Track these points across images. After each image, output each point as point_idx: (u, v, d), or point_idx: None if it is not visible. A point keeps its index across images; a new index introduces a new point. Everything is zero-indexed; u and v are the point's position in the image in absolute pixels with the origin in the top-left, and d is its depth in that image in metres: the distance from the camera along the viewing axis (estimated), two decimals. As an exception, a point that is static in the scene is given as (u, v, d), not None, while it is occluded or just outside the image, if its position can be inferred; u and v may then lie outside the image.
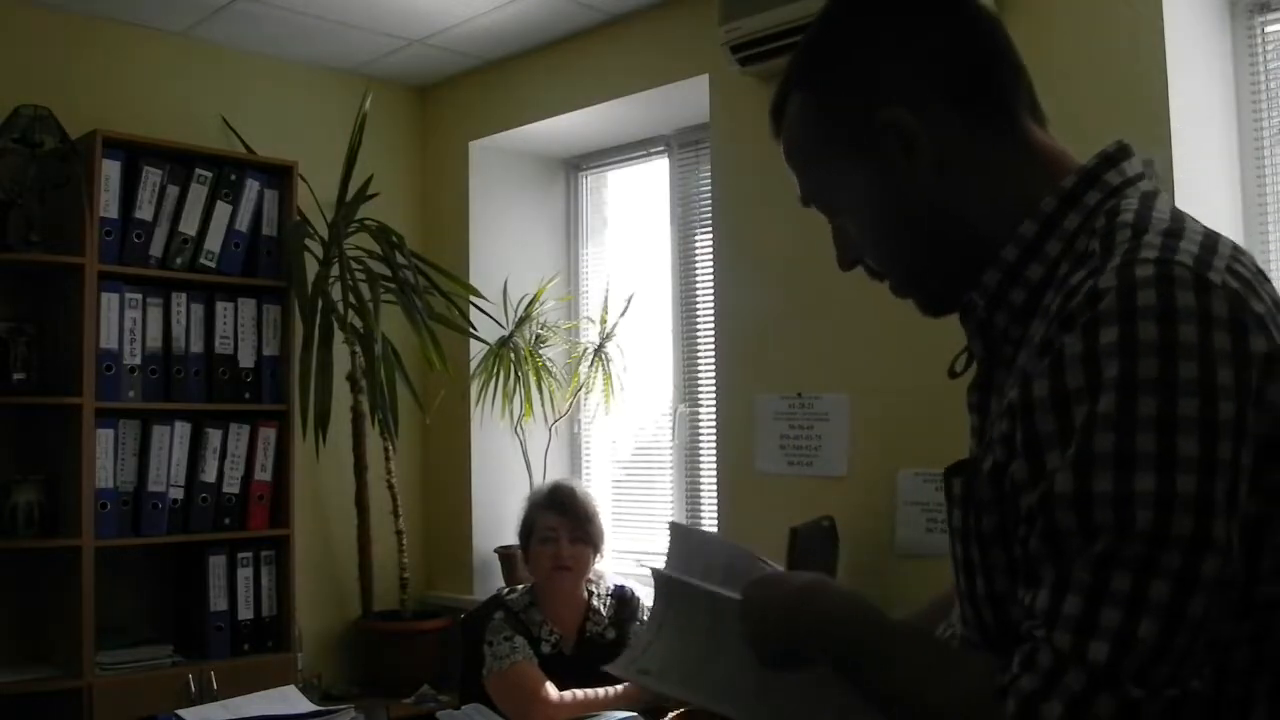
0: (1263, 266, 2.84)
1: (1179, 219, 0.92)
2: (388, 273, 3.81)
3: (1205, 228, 0.92)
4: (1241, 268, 0.88)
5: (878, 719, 0.97)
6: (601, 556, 2.92)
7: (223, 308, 3.61)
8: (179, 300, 3.53)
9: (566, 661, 2.74)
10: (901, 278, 1.08)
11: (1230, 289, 0.84)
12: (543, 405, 4.11)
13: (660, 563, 1.30)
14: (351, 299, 3.73)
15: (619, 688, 2.62)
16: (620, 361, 4.06)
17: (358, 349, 3.79)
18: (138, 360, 3.44)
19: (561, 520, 2.82)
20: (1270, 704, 0.88)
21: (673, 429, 3.98)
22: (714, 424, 3.66)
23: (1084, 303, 0.85)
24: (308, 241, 3.78)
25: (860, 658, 0.97)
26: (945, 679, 0.91)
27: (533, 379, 4.08)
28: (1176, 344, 0.80)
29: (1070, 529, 0.82)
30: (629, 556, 4.02)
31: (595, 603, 2.85)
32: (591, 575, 2.88)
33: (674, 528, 1.36)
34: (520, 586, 2.91)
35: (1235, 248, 0.91)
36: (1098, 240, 0.91)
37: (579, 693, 2.62)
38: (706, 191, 3.76)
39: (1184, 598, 0.79)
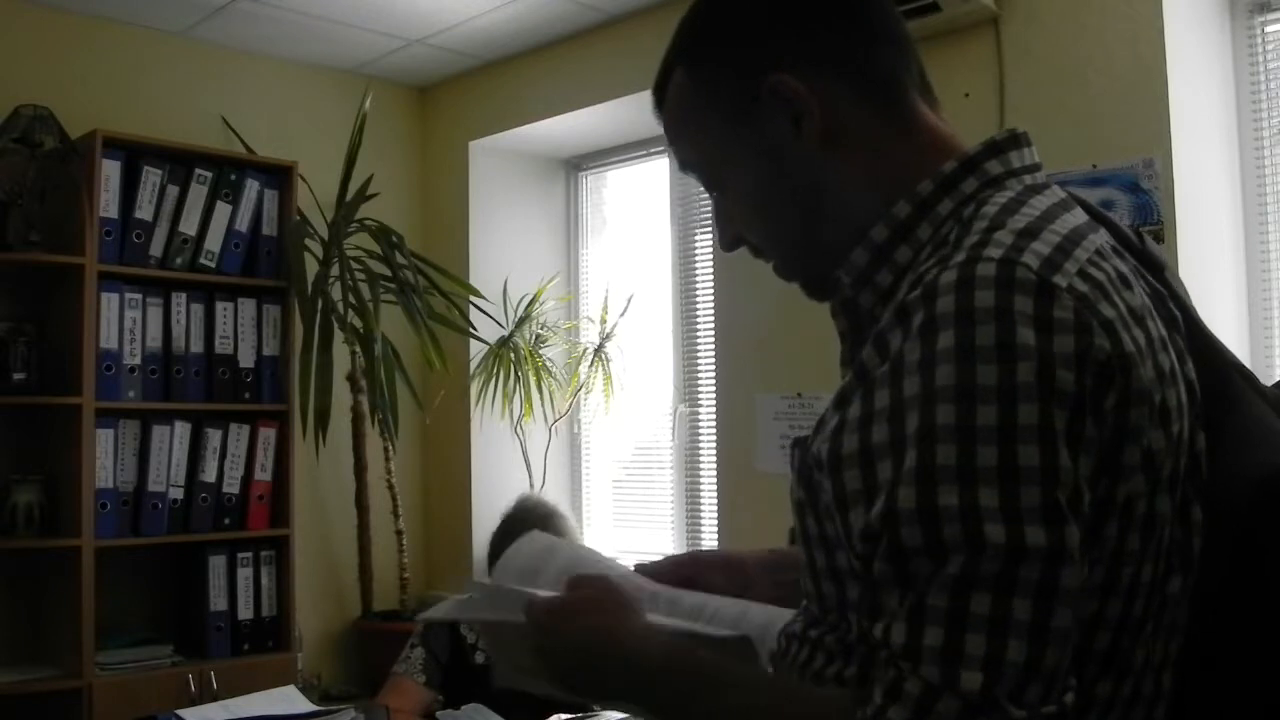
0: (1263, 265, 2.85)
1: (1049, 217, 0.87)
2: (388, 273, 3.81)
3: (1073, 228, 0.87)
4: (1098, 271, 0.84)
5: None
6: None
7: (223, 308, 3.61)
8: (179, 300, 3.53)
9: None
10: (782, 255, 1.05)
11: (1077, 292, 0.80)
12: (543, 405, 4.11)
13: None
14: (351, 299, 3.73)
15: None
16: (620, 361, 4.06)
17: (358, 349, 3.79)
18: (138, 360, 3.44)
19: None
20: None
21: (673, 429, 3.98)
22: (714, 424, 3.66)
23: (920, 298, 0.81)
24: (308, 241, 3.78)
25: (685, 705, 0.91)
26: (793, 714, 0.86)
27: (533, 379, 4.08)
28: (1014, 348, 0.77)
29: (917, 547, 0.77)
30: (629, 556, 4.01)
31: None
32: None
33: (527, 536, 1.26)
34: None
35: (1100, 250, 0.86)
36: (957, 230, 0.88)
37: None
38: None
39: (1047, 612, 0.76)
